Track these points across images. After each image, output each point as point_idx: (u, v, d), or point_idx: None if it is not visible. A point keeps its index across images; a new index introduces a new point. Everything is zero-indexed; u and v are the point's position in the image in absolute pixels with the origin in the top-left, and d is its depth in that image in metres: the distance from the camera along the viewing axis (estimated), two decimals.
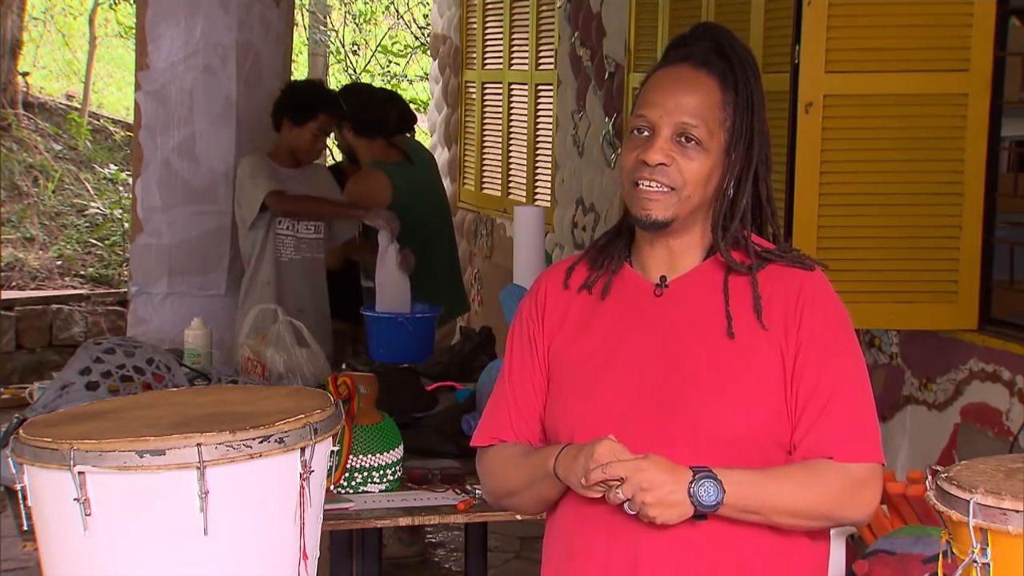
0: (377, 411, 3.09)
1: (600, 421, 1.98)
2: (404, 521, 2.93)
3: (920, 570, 2.42)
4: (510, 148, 7.67)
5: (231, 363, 4.11)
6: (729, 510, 1.91)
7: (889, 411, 4.32)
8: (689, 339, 2.00)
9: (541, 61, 7.27)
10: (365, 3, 13.60)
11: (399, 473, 3.07)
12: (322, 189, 4.88)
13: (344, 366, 4.18)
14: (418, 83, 13.13)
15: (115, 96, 11.82)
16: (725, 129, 2.00)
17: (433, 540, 5.44)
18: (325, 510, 2.20)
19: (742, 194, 2.03)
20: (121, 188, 9.75)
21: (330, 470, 2.15)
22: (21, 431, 1.97)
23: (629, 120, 2.06)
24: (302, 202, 4.77)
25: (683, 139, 1.98)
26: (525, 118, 7.45)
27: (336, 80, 12.67)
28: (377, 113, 5.08)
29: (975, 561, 1.67)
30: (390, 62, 13.44)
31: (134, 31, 5.47)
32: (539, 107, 7.30)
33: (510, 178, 7.68)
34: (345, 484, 2.98)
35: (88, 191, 9.74)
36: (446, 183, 7.31)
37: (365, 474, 2.99)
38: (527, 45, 7.42)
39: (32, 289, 8.61)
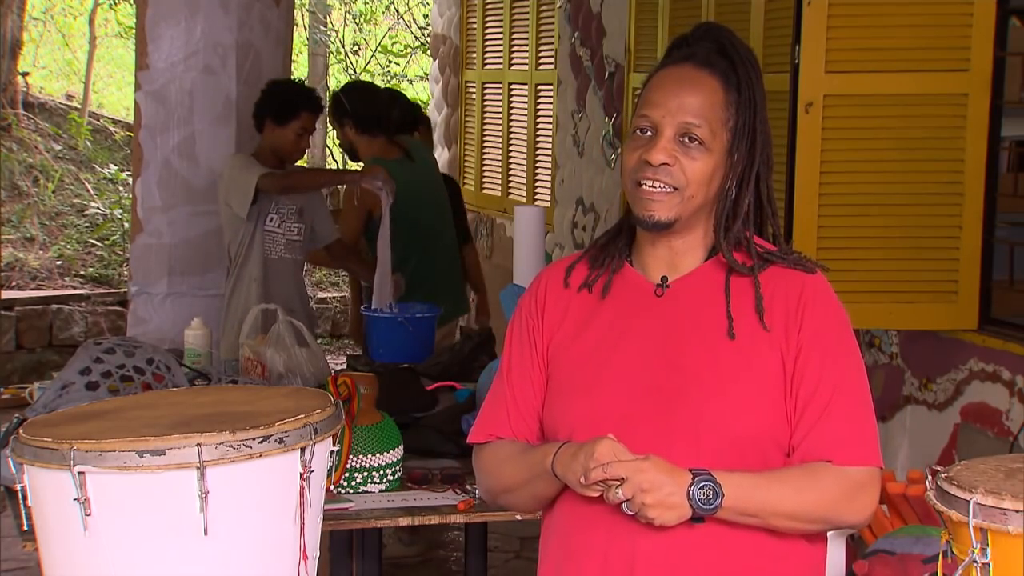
0: (377, 411, 3.09)
1: (600, 421, 1.98)
2: (404, 521, 2.93)
3: (920, 570, 2.41)
4: (510, 148, 7.67)
5: (218, 361, 4.10)
6: (727, 513, 1.91)
7: (889, 411, 4.32)
8: (690, 339, 2.00)
9: (541, 61, 7.27)
10: (365, 3, 13.60)
11: (399, 473, 3.06)
12: None
13: (344, 366, 4.17)
14: (418, 83, 13.12)
15: (115, 96, 11.83)
16: (728, 129, 2.00)
17: (440, 538, 5.44)
18: (325, 510, 2.20)
19: (744, 194, 2.02)
20: (121, 188, 9.75)
21: (330, 470, 2.15)
22: (21, 431, 1.97)
23: (631, 120, 2.05)
24: (297, 175, 4.75)
25: (686, 139, 1.98)
26: (525, 118, 7.45)
27: (336, 80, 12.66)
28: (379, 111, 5.07)
29: (975, 561, 1.67)
30: (390, 62, 13.44)
31: (134, 31, 5.47)
32: (539, 107, 7.30)
33: (510, 178, 7.69)
34: (345, 484, 2.98)
35: (88, 191, 9.74)
36: None
37: (365, 474, 2.99)
38: (527, 45, 7.42)
39: (32, 289, 8.60)
